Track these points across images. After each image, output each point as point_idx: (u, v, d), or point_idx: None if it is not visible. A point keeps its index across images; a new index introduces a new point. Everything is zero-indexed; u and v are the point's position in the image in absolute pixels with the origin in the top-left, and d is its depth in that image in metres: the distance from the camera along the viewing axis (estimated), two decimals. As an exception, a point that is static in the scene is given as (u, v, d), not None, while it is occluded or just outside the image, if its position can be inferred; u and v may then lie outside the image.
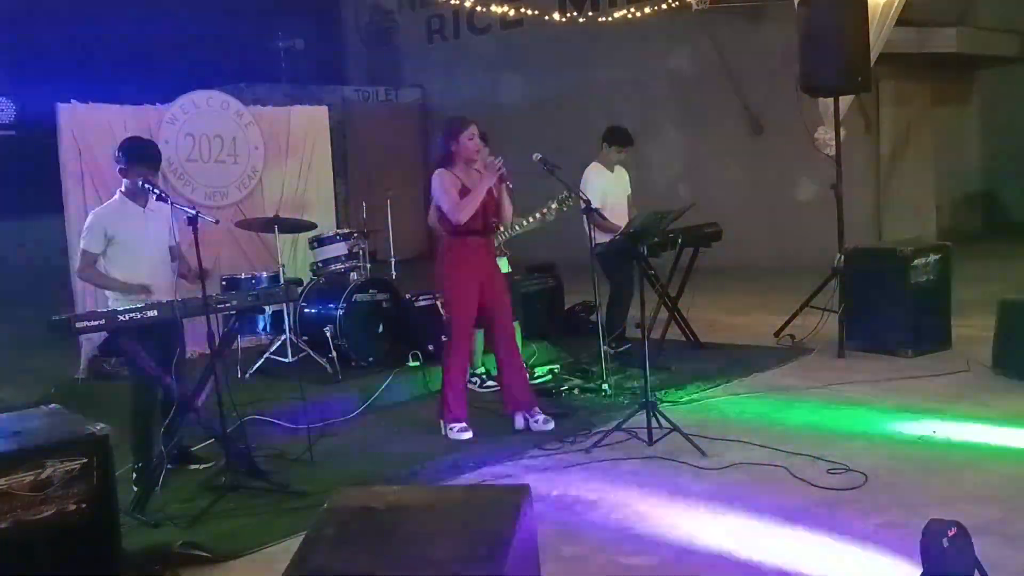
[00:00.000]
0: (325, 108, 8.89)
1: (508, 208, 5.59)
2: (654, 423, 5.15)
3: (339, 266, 7.15)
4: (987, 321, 6.51)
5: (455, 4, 13.86)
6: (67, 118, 7.13)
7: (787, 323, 7.64)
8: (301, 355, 6.83)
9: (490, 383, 6.51)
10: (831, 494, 4.24)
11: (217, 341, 4.85)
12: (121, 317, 4.43)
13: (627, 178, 7.62)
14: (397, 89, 17.07)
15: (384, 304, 7.06)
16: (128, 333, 4.52)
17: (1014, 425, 5.10)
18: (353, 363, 6.76)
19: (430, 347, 6.89)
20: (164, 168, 6.69)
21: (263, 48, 17.38)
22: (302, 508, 4.35)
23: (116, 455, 3.59)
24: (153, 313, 4.53)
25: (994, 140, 14.69)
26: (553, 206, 6.45)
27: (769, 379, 6.51)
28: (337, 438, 5.61)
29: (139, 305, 4.55)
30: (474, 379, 6.54)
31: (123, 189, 5.00)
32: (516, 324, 5.99)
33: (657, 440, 5.08)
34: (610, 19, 13.54)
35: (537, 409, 5.58)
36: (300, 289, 7.00)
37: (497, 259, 5.84)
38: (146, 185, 4.87)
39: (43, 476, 3.23)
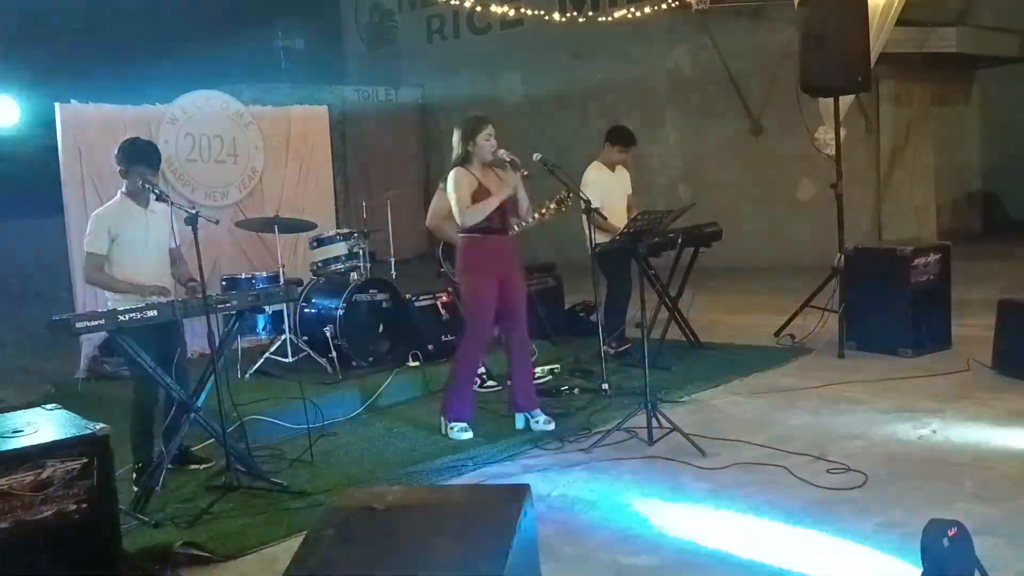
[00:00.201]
0: (325, 108, 8.89)
1: (525, 202, 5.55)
2: (654, 423, 5.15)
3: (339, 266, 7.15)
4: (987, 321, 6.51)
5: (455, 4, 13.85)
6: (67, 118, 7.13)
7: (787, 323, 7.64)
8: (301, 355, 6.83)
9: (490, 383, 6.51)
10: (831, 494, 4.24)
11: (217, 341, 4.85)
12: (121, 317, 4.43)
13: (628, 178, 7.63)
14: (397, 89, 17.07)
15: (384, 304, 7.06)
16: (128, 333, 4.52)
17: (1014, 425, 5.10)
18: (353, 363, 6.76)
19: (430, 347, 6.90)
20: (164, 168, 6.71)
21: (263, 48, 17.39)
22: (302, 508, 4.36)
23: (116, 455, 3.59)
24: (153, 313, 4.53)
25: (994, 140, 14.69)
26: (552, 205, 6.44)
27: (769, 379, 6.51)
28: (337, 438, 5.61)
29: (139, 305, 4.56)
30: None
31: (124, 190, 5.00)
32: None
33: (657, 440, 5.08)
34: (610, 19, 13.53)
35: (538, 409, 5.58)
36: (300, 289, 7.00)
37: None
38: (145, 185, 4.87)
39: (43, 476, 3.23)
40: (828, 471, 4.51)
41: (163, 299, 4.75)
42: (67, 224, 7.04)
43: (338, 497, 2.71)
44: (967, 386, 6.00)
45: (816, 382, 6.25)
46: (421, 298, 7.09)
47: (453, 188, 5.35)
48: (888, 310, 6.88)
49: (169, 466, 4.79)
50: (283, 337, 6.85)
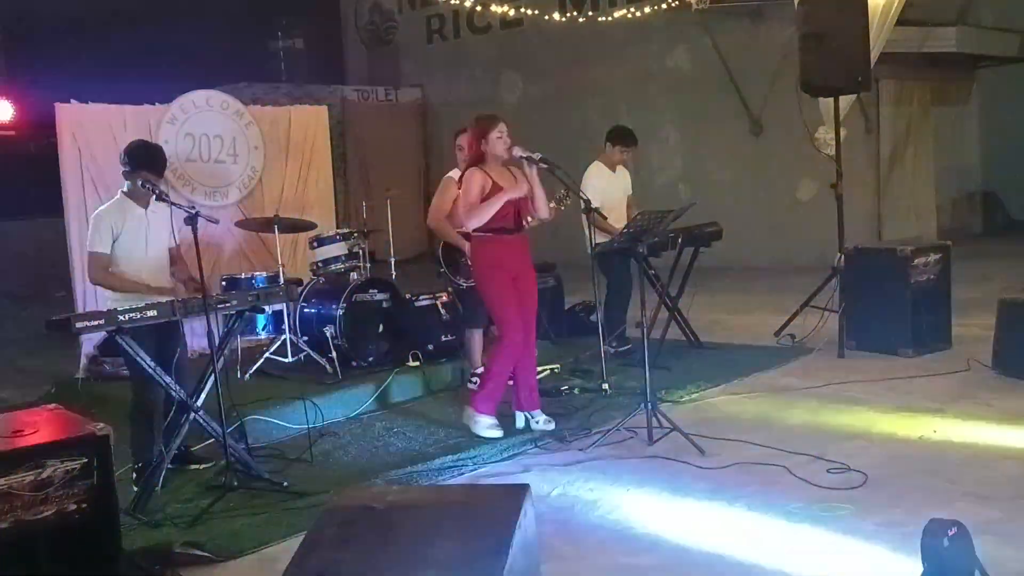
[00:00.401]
0: (325, 108, 8.88)
1: (542, 199, 5.56)
2: (654, 423, 5.15)
3: (339, 266, 7.14)
4: (987, 321, 6.51)
5: (455, 4, 13.85)
6: (67, 118, 7.13)
7: (787, 323, 7.64)
8: (301, 355, 6.83)
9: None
10: (831, 494, 4.24)
11: (217, 341, 4.85)
12: (120, 317, 4.43)
13: (628, 178, 7.63)
14: (397, 89, 17.07)
15: (384, 304, 7.05)
16: (128, 333, 4.52)
17: (1014, 425, 5.10)
18: (353, 363, 6.76)
19: (430, 347, 6.90)
20: (165, 168, 6.69)
21: (263, 48, 17.39)
22: (302, 508, 4.36)
23: (116, 455, 3.59)
24: (153, 313, 4.53)
25: (994, 140, 14.68)
26: (551, 204, 6.44)
27: (769, 379, 6.51)
28: (337, 438, 5.62)
29: (139, 305, 4.56)
30: (474, 379, 6.53)
31: (125, 190, 5.00)
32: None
33: (657, 440, 5.08)
34: (610, 19, 13.53)
35: (538, 409, 5.58)
36: (300, 289, 7.00)
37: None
38: (145, 185, 4.87)
39: (43, 476, 3.23)
40: (828, 471, 4.51)
41: (168, 298, 4.75)
42: (67, 224, 7.03)
43: (338, 497, 2.71)
44: (967, 386, 6.00)
45: (816, 382, 6.25)
46: (421, 298, 7.09)
47: (465, 186, 5.38)
48: (888, 310, 6.88)
49: (169, 466, 4.79)
50: (283, 337, 6.85)
